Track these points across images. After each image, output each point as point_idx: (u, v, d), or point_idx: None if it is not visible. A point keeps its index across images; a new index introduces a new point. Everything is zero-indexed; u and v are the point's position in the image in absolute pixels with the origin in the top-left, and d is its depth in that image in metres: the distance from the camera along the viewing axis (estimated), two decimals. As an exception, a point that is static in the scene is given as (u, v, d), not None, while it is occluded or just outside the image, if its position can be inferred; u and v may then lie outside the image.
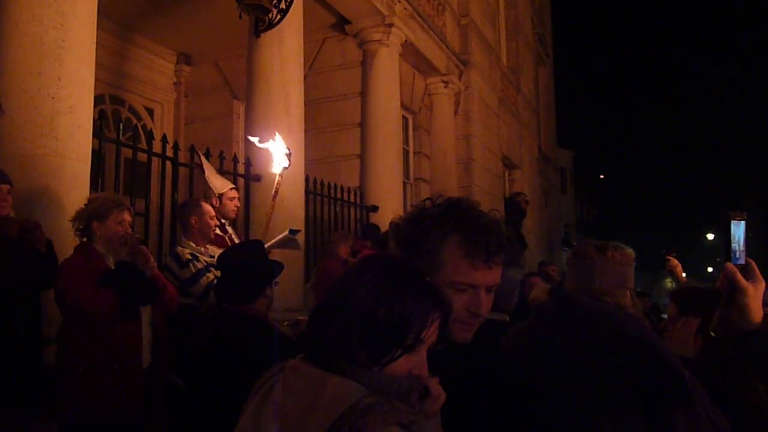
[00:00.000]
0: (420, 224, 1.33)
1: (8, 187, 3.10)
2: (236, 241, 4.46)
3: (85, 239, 3.18)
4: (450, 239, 1.29)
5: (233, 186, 4.80)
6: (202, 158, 4.85)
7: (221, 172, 5.48)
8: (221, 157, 5.48)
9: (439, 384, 1.09)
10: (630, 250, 1.93)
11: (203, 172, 4.74)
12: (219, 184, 4.66)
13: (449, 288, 1.27)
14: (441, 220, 1.31)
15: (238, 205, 4.70)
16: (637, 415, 1.56)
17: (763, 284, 1.41)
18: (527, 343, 1.83)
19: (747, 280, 1.40)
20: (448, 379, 1.13)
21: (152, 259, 3.14)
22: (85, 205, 3.22)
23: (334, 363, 1.05)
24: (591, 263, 1.87)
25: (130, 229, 3.25)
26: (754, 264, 1.44)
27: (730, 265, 1.43)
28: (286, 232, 4.17)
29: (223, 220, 4.53)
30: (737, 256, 1.50)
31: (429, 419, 1.08)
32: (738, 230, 1.53)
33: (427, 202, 1.38)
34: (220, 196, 4.56)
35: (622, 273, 1.89)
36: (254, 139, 3.78)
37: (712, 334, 1.43)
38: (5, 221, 3.07)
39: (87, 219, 3.15)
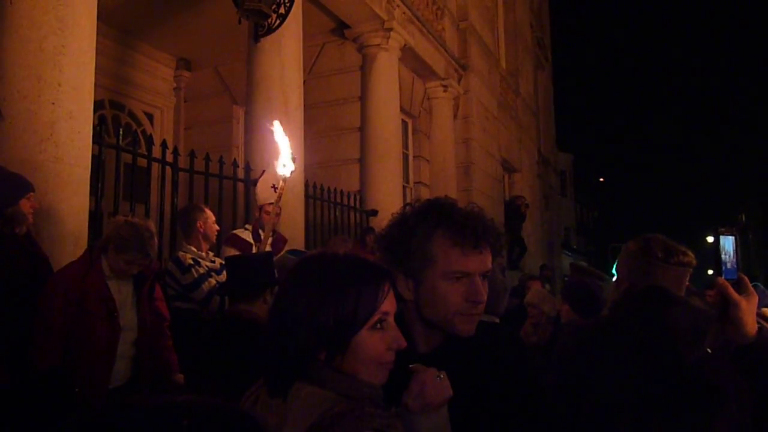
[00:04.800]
0: (405, 225, 1.35)
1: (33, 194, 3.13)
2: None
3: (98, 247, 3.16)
4: (437, 232, 1.31)
5: (272, 202, 4.78)
6: (266, 170, 4.83)
7: (221, 176, 5.49)
8: (221, 161, 5.49)
9: (428, 379, 1.10)
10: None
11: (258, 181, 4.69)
12: (263, 196, 4.65)
13: (444, 280, 1.29)
14: (425, 216, 1.33)
15: (275, 221, 4.69)
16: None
17: (755, 297, 1.42)
18: (600, 342, 1.79)
19: (740, 294, 1.40)
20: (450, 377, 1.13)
21: None
22: (115, 224, 3.17)
23: (300, 369, 1.06)
24: (682, 270, 1.80)
25: (139, 268, 3.18)
26: (746, 278, 1.45)
27: (721, 279, 1.44)
28: (285, 252, 4.18)
29: (260, 231, 4.55)
30: (728, 267, 1.51)
31: (421, 414, 1.08)
32: (727, 244, 1.54)
33: (407, 207, 1.41)
34: (261, 207, 4.58)
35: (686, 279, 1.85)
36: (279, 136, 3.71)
37: (708, 350, 1.44)
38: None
39: (108, 239, 3.13)
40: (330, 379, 1.06)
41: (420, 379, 1.11)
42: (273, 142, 3.55)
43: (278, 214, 4.57)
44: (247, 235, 4.49)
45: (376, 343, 1.10)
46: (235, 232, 4.50)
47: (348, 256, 1.20)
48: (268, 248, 3.55)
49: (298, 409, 1.00)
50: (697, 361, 1.60)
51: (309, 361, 1.07)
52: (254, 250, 4.34)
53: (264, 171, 4.98)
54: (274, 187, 4.75)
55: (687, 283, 1.81)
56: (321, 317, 1.07)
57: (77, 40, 3.61)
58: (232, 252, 4.09)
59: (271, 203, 4.64)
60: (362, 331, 1.09)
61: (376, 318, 1.10)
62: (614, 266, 2.07)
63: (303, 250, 5.11)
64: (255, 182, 4.91)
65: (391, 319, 1.14)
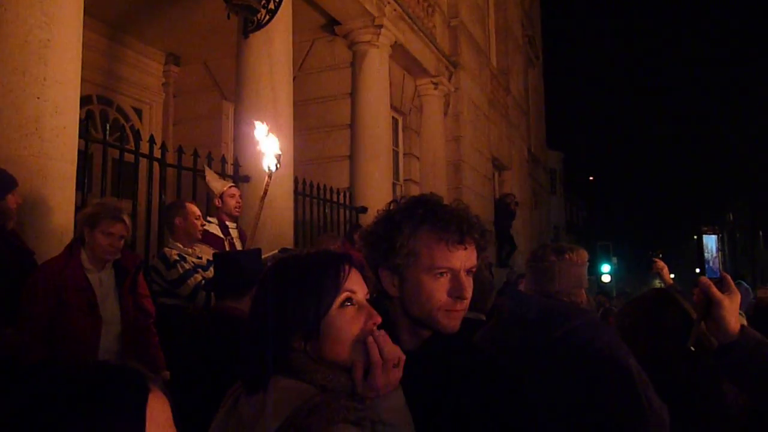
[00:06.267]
0: (390, 221, 1.35)
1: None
2: (237, 246, 4.43)
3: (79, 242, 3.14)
4: (422, 228, 1.32)
5: (232, 184, 4.81)
6: (205, 165, 4.94)
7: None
8: (209, 158, 5.46)
9: (382, 345, 1.11)
10: (584, 251, 2.09)
11: (206, 178, 4.81)
12: (218, 185, 4.68)
13: (428, 276, 1.30)
14: (410, 213, 1.34)
15: (240, 202, 4.68)
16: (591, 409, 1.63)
17: (738, 296, 1.43)
18: (491, 342, 1.89)
19: (722, 292, 1.41)
20: (429, 374, 1.15)
21: None
22: (83, 211, 3.17)
23: (278, 363, 1.09)
24: (551, 266, 2.00)
25: (120, 242, 3.17)
26: (728, 277, 1.46)
27: (704, 278, 1.45)
28: (276, 251, 4.18)
29: (227, 223, 4.52)
30: (710, 265, 1.51)
31: (380, 396, 1.08)
32: (710, 242, 1.55)
33: (392, 204, 1.41)
34: (221, 195, 4.57)
35: (579, 274, 2.04)
36: (260, 132, 3.71)
37: (692, 348, 1.45)
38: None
39: (81, 224, 3.11)
40: (307, 369, 1.08)
41: (359, 350, 1.12)
42: (257, 140, 3.56)
43: (241, 196, 4.62)
44: (215, 229, 4.45)
45: (350, 320, 1.13)
46: None
47: (308, 251, 1.24)
48: (246, 245, 3.55)
49: (274, 402, 1.01)
50: (559, 338, 1.77)
51: (287, 352, 1.10)
52: (226, 245, 4.33)
53: (194, 158, 5.08)
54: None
55: (572, 276, 2.02)
56: (289, 309, 1.11)
57: (63, 34, 3.58)
58: (203, 247, 4.07)
59: (232, 185, 4.69)
60: (331, 311, 1.12)
61: (343, 296, 1.14)
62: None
63: (293, 248, 5.11)
64: (204, 177, 4.98)
65: (360, 297, 1.17)
